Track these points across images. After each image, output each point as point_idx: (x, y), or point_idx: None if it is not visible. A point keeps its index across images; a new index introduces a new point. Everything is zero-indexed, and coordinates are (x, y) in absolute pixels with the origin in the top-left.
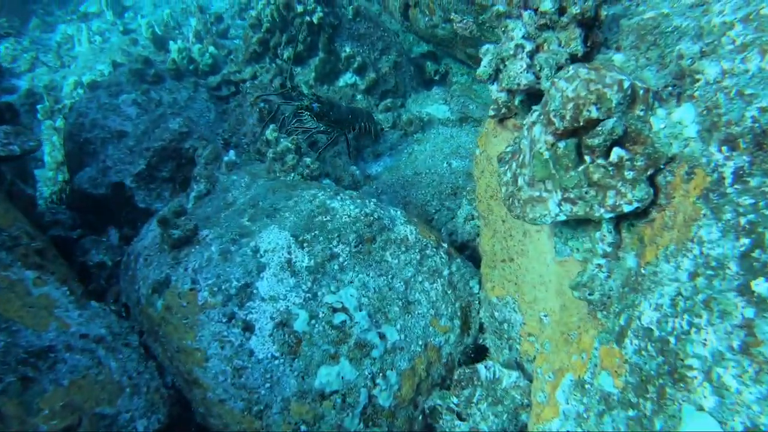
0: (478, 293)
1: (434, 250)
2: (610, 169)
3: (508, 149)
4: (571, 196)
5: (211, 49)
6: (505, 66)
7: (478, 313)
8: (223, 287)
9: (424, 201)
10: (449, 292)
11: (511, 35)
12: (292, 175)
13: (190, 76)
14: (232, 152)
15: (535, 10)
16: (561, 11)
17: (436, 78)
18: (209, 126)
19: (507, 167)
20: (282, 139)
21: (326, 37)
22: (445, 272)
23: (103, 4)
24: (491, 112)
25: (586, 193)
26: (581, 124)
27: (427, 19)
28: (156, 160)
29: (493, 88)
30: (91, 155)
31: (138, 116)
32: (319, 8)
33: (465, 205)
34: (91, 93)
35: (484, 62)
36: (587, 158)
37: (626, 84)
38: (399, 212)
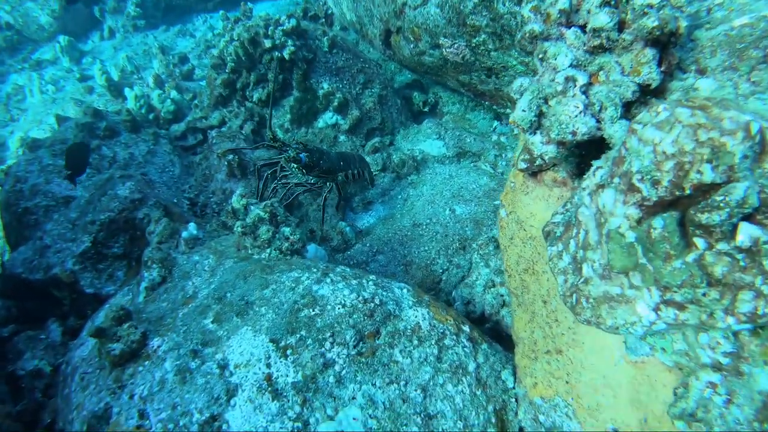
0: (514, 388)
1: (454, 337)
2: (740, 257)
3: (556, 219)
4: (677, 298)
5: (173, 93)
6: (549, 107)
7: (516, 415)
8: (181, 423)
9: (428, 259)
10: (479, 393)
11: (552, 64)
12: (268, 251)
13: (149, 127)
14: (192, 225)
15: (583, 27)
16: (620, 26)
17: (426, 110)
18: (174, 182)
19: (562, 247)
20: (252, 207)
21: (300, 73)
22: (471, 366)
23: (59, 50)
24: (521, 165)
25: (703, 295)
26: (687, 192)
27: (412, 46)
28: (104, 235)
29: (535, 139)
30: (32, 227)
31: (89, 177)
32: (289, 42)
33: (480, 266)
34: (32, 154)
35: (521, 104)
36: (700, 242)
37: (755, 127)
38: (405, 290)
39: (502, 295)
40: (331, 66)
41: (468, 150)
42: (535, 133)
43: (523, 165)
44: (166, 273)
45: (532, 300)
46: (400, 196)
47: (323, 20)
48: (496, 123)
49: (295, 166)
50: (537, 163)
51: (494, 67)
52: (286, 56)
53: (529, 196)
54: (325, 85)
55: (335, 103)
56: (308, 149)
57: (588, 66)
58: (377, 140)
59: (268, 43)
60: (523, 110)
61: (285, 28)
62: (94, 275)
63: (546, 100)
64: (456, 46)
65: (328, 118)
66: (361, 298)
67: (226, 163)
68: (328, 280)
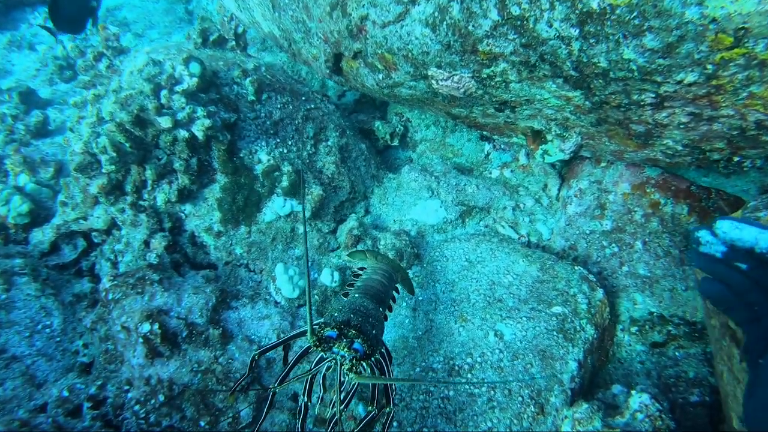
0: None
1: None
2: None
3: None
4: None
5: (23, 179)
6: None
7: None
8: None
9: None
10: None
11: None
12: None
13: None
14: None
15: None
16: None
17: (394, 144)
18: (56, 344)
19: None
20: None
21: (223, 149)
22: None
23: None
24: None
25: None
26: None
27: (381, 76)
28: None
29: None
30: None
31: None
32: (199, 111)
33: None
34: None
35: None
36: None
37: None
38: None
39: None
40: (265, 121)
41: (473, 205)
42: None
43: None
44: None
45: None
46: (404, 303)
47: (233, 43)
48: (487, 147)
49: (349, 365)
50: None
51: (512, 101)
52: (200, 136)
53: None
54: (263, 156)
55: (284, 183)
56: (357, 327)
57: None
58: (354, 223)
59: (165, 123)
60: None
61: (186, 87)
62: None
63: None
64: (456, 78)
65: (278, 206)
66: None
67: (141, 338)
68: None
